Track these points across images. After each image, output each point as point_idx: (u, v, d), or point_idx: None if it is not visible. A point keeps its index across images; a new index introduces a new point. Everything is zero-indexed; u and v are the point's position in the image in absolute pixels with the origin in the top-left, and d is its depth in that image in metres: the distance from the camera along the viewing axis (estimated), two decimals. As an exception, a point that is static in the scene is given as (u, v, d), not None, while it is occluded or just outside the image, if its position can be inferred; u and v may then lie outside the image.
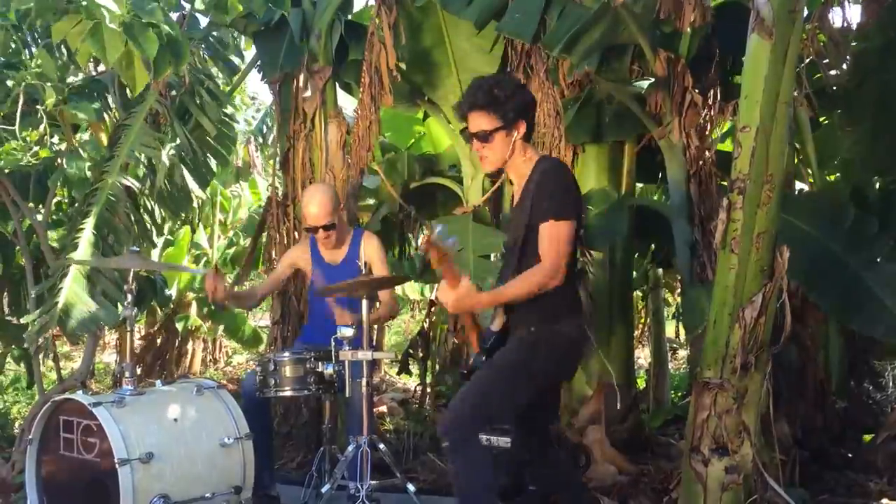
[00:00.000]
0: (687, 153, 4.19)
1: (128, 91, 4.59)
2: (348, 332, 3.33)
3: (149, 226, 4.77)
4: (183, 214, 5.17)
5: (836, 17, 4.25)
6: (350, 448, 3.36)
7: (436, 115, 5.54)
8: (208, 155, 5.06)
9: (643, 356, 9.04)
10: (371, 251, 3.89)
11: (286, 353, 3.56)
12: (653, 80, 4.22)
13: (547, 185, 2.69)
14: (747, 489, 3.04)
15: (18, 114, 4.18)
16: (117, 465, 2.82)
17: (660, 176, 5.35)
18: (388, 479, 3.49)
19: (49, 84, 4.07)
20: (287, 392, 3.52)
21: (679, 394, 7.06)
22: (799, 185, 5.06)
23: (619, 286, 4.88)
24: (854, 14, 12.46)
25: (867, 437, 4.51)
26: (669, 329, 8.61)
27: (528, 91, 2.91)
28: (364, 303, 3.38)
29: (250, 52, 6.10)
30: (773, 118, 2.86)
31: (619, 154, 4.88)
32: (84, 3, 3.31)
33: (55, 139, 4.65)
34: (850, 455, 4.37)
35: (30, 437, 3.17)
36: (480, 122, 2.74)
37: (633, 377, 5.23)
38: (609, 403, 4.45)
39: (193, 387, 3.26)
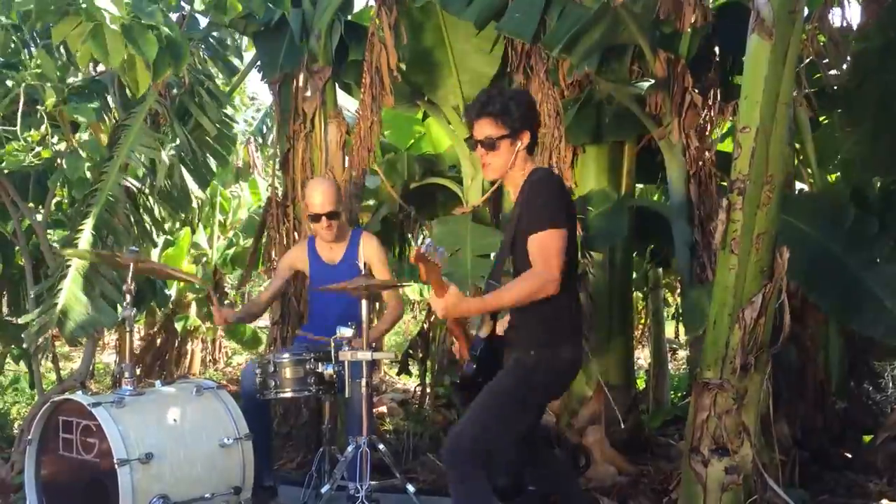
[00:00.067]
0: (687, 154, 4.19)
1: (128, 91, 4.60)
2: (348, 332, 3.33)
3: (148, 226, 4.77)
4: (183, 215, 5.17)
5: (835, 18, 4.26)
6: (350, 448, 3.36)
7: (436, 116, 5.53)
8: (208, 155, 5.06)
9: (643, 357, 9.04)
10: (371, 252, 3.88)
11: (286, 354, 3.56)
12: (653, 80, 4.22)
13: (536, 196, 2.67)
14: (747, 490, 3.04)
15: (20, 114, 4.18)
16: (117, 466, 2.81)
17: (660, 177, 5.35)
18: (387, 479, 3.49)
19: (49, 84, 4.07)
20: (287, 393, 3.52)
21: (679, 394, 7.06)
22: (799, 186, 5.06)
23: (619, 287, 4.89)
24: (854, 14, 12.47)
25: (867, 438, 4.51)
26: (669, 330, 8.61)
27: (535, 104, 2.92)
28: (363, 303, 3.38)
29: (250, 53, 6.11)
30: (773, 119, 2.86)
31: (619, 154, 4.88)
32: (84, 6, 3.31)
33: (55, 139, 4.64)
34: (849, 456, 4.37)
35: (29, 437, 3.16)
36: (487, 129, 2.73)
37: (632, 378, 5.23)
38: (609, 404, 4.45)
39: (193, 387, 3.25)
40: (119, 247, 4.30)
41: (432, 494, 3.86)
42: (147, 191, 4.68)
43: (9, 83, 4.16)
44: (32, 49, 4.32)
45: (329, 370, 3.46)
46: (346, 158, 5.06)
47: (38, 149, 4.51)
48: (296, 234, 5.13)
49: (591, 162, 4.82)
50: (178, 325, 8.91)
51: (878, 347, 4.73)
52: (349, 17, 5.41)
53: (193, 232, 8.94)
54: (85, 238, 4.16)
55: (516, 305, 2.66)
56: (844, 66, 4.35)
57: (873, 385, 5.00)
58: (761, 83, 2.84)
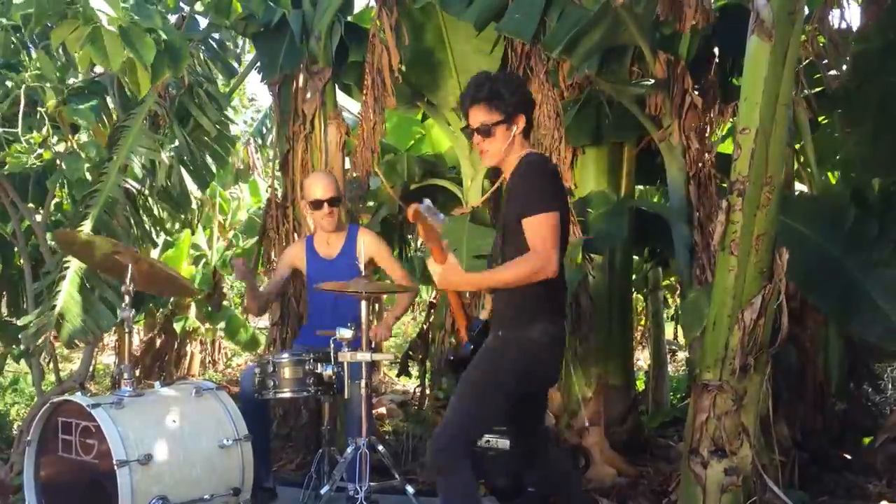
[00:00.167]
0: (687, 155, 4.19)
1: (128, 92, 4.59)
2: (347, 333, 3.33)
3: (148, 227, 4.77)
4: (182, 216, 5.17)
5: (835, 19, 4.26)
6: (349, 450, 3.36)
7: (435, 117, 5.54)
8: (207, 156, 5.06)
9: (643, 358, 9.05)
10: (371, 247, 3.85)
11: (285, 355, 3.55)
12: (653, 81, 4.22)
13: (526, 180, 2.68)
14: (746, 491, 3.04)
15: (20, 116, 4.18)
16: (116, 467, 2.81)
17: (659, 178, 5.35)
18: (387, 480, 3.48)
19: (49, 85, 4.07)
20: (286, 394, 3.51)
21: (678, 396, 7.06)
22: (799, 187, 5.06)
23: (619, 288, 4.89)
24: (853, 15, 12.48)
25: (866, 440, 4.51)
26: (669, 331, 8.61)
27: (528, 89, 2.92)
28: (363, 304, 3.38)
29: (249, 56, 6.11)
30: (773, 120, 2.86)
31: (619, 156, 4.88)
32: (80, 9, 3.30)
33: (54, 139, 4.64)
34: (849, 457, 4.36)
35: (28, 438, 3.15)
36: (482, 116, 2.74)
37: (632, 379, 5.24)
38: (608, 405, 4.45)
39: (192, 388, 3.25)
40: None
41: (432, 496, 3.82)
42: (147, 192, 4.68)
43: (8, 84, 4.16)
44: (32, 50, 4.31)
45: (328, 371, 3.46)
46: (346, 159, 5.06)
47: (39, 150, 4.50)
48: (295, 234, 5.12)
49: (590, 163, 4.82)
50: (178, 327, 8.91)
51: (878, 349, 4.72)
52: (349, 19, 5.42)
53: (193, 233, 8.95)
54: (84, 239, 4.16)
55: (513, 285, 2.65)
56: (844, 68, 4.35)
57: (873, 387, 5.00)
58: (761, 84, 2.84)
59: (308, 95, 5.02)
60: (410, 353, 5.88)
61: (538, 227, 2.59)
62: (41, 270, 4.78)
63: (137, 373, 8.12)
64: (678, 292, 7.38)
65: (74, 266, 4.10)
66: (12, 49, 4.16)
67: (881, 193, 4.45)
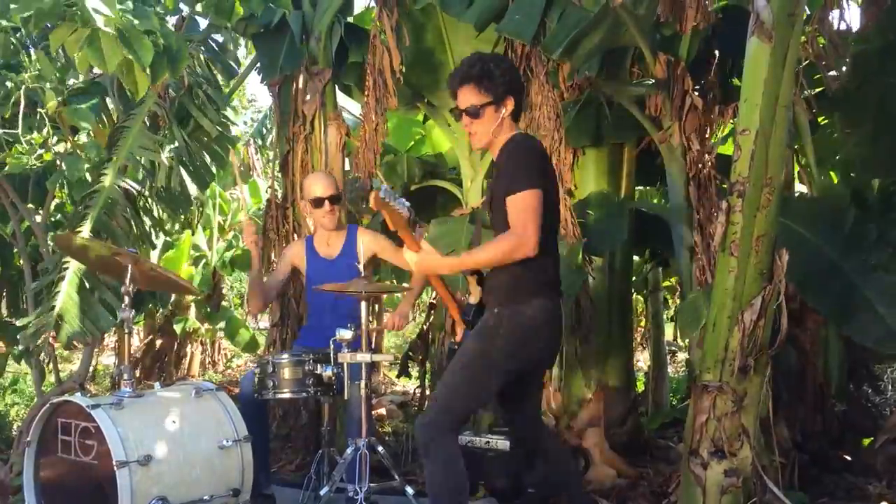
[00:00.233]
0: (687, 156, 4.18)
1: (128, 92, 4.59)
2: (347, 334, 3.33)
3: (148, 228, 4.77)
4: (182, 216, 5.17)
5: (835, 20, 4.26)
6: (349, 450, 3.35)
7: (435, 118, 5.54)
8: (207, 157, 5.06)
9: (642, 359, 9.04)
10: (371, 244, 3.86)
11: (285, 355, 3.55)
12: (653, 82, 4.22)
13: (511, 158, 2.68)
14: (746, 492, 3.04)
15: (20, 117, 4.18)
16: (115, 468, 2.81)
17: (659, 179, 5.35)
18: (386, 481, 3.48)
19: (49, 86, 4.07)
20: (286, 394, 3.51)
21: (678, 397, 7.06)
22: (799, 188, 5.06)
23: (619, 289, 4.88)
24: (853, 16, 12.48)
25: (866, 441, 4.50)
26: (669, 332, 8.60)
27: (517, 70, 2.90)
28: (363, 304, 3.38)
29: (249, 58, 6.10)
30: (773, 121, 2.86)
31: (619, 157, 4.87)
32: (77, 12, 3.30)
33: (54, 140, 4.64)
34: (849, 458, 4.36)
35: (28, 439, 3.15)
36: (470, 97, 2.73)
37: (632, 380, 5.23)
38: (608, 406, 4.45)
39: (192, 389, 3.25)
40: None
41: (431, 497, 3.85)
42: (146, 192, 4.68)
43: (8, 85, 4.16)
44: (32, 51, 4.32)
45: (328, 372, 3.46)
46: (346, 160, 5.06)
47: (40, 151, 4.51)
48: (295, 235, 5.13)
49: (590, 164, 4.82)
50: (177, 328, 8.90)
51: (878, 350, 4.73)
52: (349, 19, 5.42)
53: (193, 233, 8.95)
54: (84, 239, 4.16)
55: (491, 265, 2.65)
56: (844, 69, 4.35)
57: (873, 388, 5.00)
58: (761, 86, 2.84)
59: (308, 96, 5.02)
60: (410, 353, 5.87)
61: (519, 204, 2.58)
62: (39, 268, 4.78)
63: (137, 374, 8.15)
64: (678, 293, 7.36)
65: (73, 267, 4.10)
66: (12, 50, 4.16)
67: (881, 194, 4.46)
